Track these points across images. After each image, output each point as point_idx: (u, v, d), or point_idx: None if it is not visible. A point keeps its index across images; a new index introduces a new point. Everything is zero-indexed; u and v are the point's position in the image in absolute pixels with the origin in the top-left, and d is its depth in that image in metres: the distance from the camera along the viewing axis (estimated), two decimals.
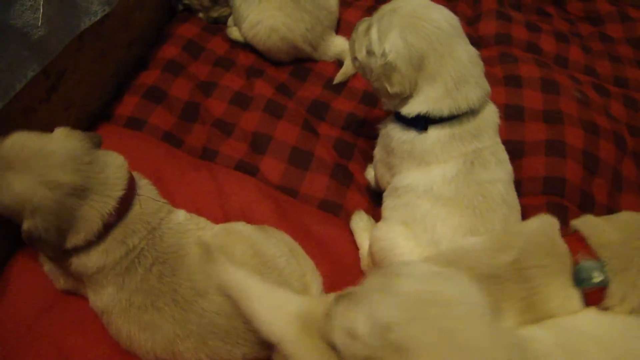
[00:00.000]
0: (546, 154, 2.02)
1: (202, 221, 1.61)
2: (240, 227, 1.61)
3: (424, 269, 1.15)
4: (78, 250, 1.42)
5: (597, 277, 1.27)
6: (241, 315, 1.36)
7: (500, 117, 2.03)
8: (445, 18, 1.59)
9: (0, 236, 1.62)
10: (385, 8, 1.63)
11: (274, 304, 1.32)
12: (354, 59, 1.76)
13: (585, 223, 1.38)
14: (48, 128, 1.70)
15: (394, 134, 1.65)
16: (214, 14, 2.54)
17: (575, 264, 1.30)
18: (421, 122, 1.57)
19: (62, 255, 1.45)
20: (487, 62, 2.42)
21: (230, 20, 2.53)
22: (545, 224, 1.39)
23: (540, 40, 2.65)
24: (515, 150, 2.03)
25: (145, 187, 1.56)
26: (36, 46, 1.55)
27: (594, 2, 3.04)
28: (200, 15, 2.56)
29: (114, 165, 1.48)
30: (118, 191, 1.44)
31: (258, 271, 1.47)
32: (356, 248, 1.82)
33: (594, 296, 1.28)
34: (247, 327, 1.38)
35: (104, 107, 2.08)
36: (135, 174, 1.56)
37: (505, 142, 1.93)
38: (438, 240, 1.52)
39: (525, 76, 2.30)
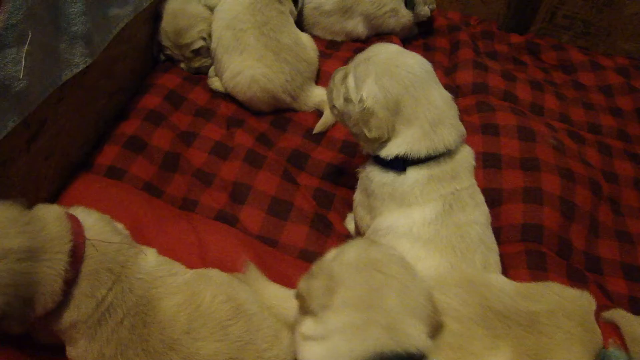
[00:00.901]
0: (524, 201, 2.04)
1: (176, 266, 1.58)
2: (213, 273, 1.60)
3: (392, 250, 1.37)
4: (50, 314, 1.38)
5: None
6: None
7: (478, 165, 2.07)
8: (419, 63, 1.65)
9: None
10: (360, 57, 1.68)
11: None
12: (332, 107, 1.79)
13: (619, 314, 1.41)
14: (28, 178, 1.71)
15: (373, 177, 1.67)
16: (196, 64, 2.57)
17: (604, 347, 1.32)
18: (399, 164, 1.60)
19: (34, 323, 1.40)
20: (464, 110, 2.48)
21: (211, 71, 2.56)
22: (585, 299, 1.42)
23: (516, 89, 2.72)
24: (493, 198, 2.05)
25: (95, 227, 1.48)
26: (17, 98, 1.56)
27: (566, 52, 3.13)
28: (182, 65, 2.59)
29: (52, 219, 1.40)
30: (66, 244, 1.37)
31: (228, 316, 1.46)
32: None
33: None
34: None
35: (84, 156, 2.07)
36: (81, 212, 1.50)
37: (483, 190, 1.95)
38: None
39: (502, 124, 2.34)
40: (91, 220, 1.49)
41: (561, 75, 3.01)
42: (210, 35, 2.49)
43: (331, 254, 1.37)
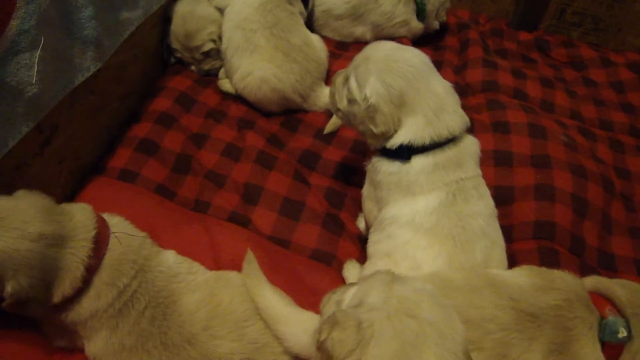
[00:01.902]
0: (536, 198, 2.03)
1: (195, 265, 1.63)
2: (231, 275, 1.63)
3: (419, 285, 1.20)
4: (69, 300, 1.41)
5: (623, 333, 1.32)
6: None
7: (489, 163, 2.07)
8: (417, 56, 1.67)
9: None
10: (358, 58, 1.70)
11: (299, 325, 1.41)
12: (337, 110, 1.81)
13: (598, 281, 1.46)
14: (41, 182, 1.73)
15: (379, 167, 1.68)
16: (206, 67, 2.58)
17: (603, 317, 1.36)
18: (404, 152, 1.62)
19: (54, 311, 1.43)
20: (474, 109, 2.48)
21: (221, 73, 2.57)
22: (577, 278, 1.45)
23: (526, 87, 2.71)
24: (505, 196, 2.05)
25: (119, 224, 1.57)
26: (30, 103, 1.58)
27: (577, 48, 3.12)
28: (192, 68, 2.60)
29: (79, 211, 1.49)
30: (90, 232, 1.44)
31: (245, 317, 1.49)
32: None
33: (613, 350, 1.33)
34: None
35: (96, 160, 2.09)
36: (106, 215, 1.57)
37: (495, 188, 1.96)
38: (418, 268, 1.54)
39: (512, 122, 2.33)
40: (114, 220, 1.57)
41: (571, 72, 3.00)
42: (220, 37, 2.50)
43: (349, 293, 1.24)
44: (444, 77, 2.74)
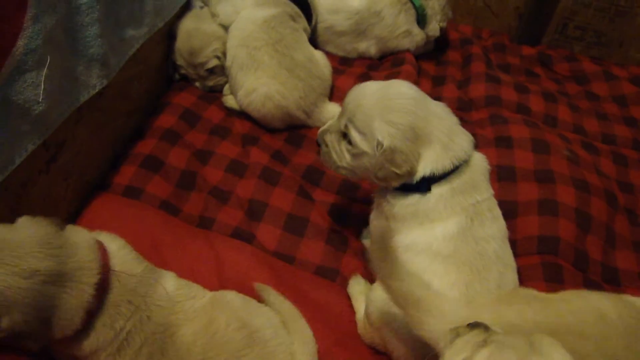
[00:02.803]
0: (539, 213, 2.04)
1: (194, 289, 1.59)
2: (230, 296, 1.62)
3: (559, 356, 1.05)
4: (69, 340, 1.39)
5: None
6: None
7: (493, 178, 2.06)
8: (408, 86, 1.65)
9: None
10: (347, 110, 1.65)
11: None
12: (338, 168, 1.74)
13: None
14: (47, 199, 1.74)
15: (395, 202, 1.64)
16: (210, 83, 2.59)
17: None
18: (425, 184, 1.59)
19: (55, 345, 1.42)
20: (477, 124, 2.49)
21: (226, 89, 2.59)
22: None
23: (529, 101, 2.72)
24: (508, 211, 2.04)
25: (119, 255, 1.50)
26: (36, 120, 1.59)
27: (579, 62, 3.13)
28: (197, 84, 2.62)
29: (83, 247, 1.41)
30: (93, 277, 1.38)
31: (242, 345, 1.47)
32: (353, 312, 1.81)
33: None
34: None
35: (101, 176, 2.10)
36: (106, 237, 1.52)
37: (499, 203, 1.95)
38: None
39: (515, 137, 2.34)
40: (114, 247, 1.50)
41: (574, 86, 3.00)
42: (224, 54, 2.52)
43: (481, 355, 1.07)
44: (447, 92, 2.80)
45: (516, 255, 1.91)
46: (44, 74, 1.56)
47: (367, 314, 1.67)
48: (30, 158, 1.60)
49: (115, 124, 2.15)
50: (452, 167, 1.57)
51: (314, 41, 2.86)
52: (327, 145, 1.73)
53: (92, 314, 1.38)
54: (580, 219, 2.04)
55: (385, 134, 1.55)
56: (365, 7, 2.83)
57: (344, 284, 1.88)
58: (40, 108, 1.58)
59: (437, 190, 1.58)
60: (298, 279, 1.87)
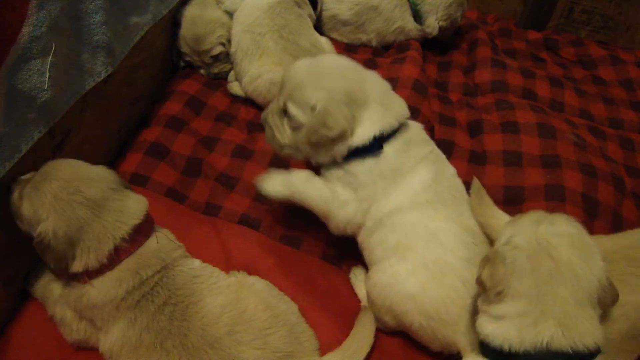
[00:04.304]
0: (546, 198, 2.03)
1: (216, 271, 1.64)
2: (253, 280, 1.66)
3: (564, 228, 1.36)
4: (91, 274, 1.44)
5: None
6: None
7: (499, 163, 2.06)
8: (339, 57, 1.73)
9: (4, 294, 1.62)
10: (284, 87, 1.69)
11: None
12: (282, 147, 1.75)
13: None
14: None
15: (355, 169, 1.65)
16: (215, 70, 2.59)
17: None
18: (376, 144, 1.62)
19: (75, 279, 1.47)
20: (483, 109, 2.48)
21: (231, 76, 2.58)
22: None
23: (535, 86, 2.70)
24: (515, 196, 2.05)
25: (164, 231, 1.61)
26: (42, 108, 1.59)
27: (585, 47, 3.11)
28: (202, 71, 2.61)
29: (134, 199, 1.55)
30: (133, 219, 1.50)
31: (268, 324, 1.49)
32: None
33: None
34: None
35: (107, 164, 2.08)
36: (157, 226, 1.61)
37: (505, 188, 1.96)
38: (434, 237, 1.58)
39: (522, 122, 2.33)
40: (163, 230, 1.63)
41: (580, 70, 2.99)
42: (229, 41, 2.52)
43: (505, 234, 1.39)
44: (453, 77, 2.79)
45: None
46: (49, 62, 1.56)
47: (371, 301, 1.68)
48: (36, 146, 1.60)
49: (120, 111, 2.15)
50: (397, 124, 1.65)
51: (319, 28, 2.85)
52: (270, 127, 1.76)
53: (122, 252, 1.46)
54: (587, 204, 2.03)
55: (317, 98, 1.59)
56: None
57: (349, 269, 1.88)
58: (46, 96, 1.58)
59: (390, 148, 1.63)
60: (305, 265, 1.87)
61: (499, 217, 1.64)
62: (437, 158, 1.72)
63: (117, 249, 1.45)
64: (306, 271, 1.85)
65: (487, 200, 1.60)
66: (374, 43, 2.93)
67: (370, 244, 1.69)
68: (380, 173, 1.63)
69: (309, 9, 2.63)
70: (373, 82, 1.68)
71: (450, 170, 1.75)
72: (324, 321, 1.68)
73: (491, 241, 1.55)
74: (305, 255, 1.91)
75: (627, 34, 3.18)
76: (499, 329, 1.28)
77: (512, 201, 2.04)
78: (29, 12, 1.47)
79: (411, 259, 1.57)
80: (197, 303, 1.49)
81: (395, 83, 2.47)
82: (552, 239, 1.30)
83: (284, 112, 1.69)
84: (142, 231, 1.51)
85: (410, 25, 2.86)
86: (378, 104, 1.63)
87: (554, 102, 2.64)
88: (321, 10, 2.86)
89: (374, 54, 2.88)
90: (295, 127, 1.67)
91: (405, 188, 1.63)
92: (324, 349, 1.60)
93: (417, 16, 2.85)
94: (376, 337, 1.65)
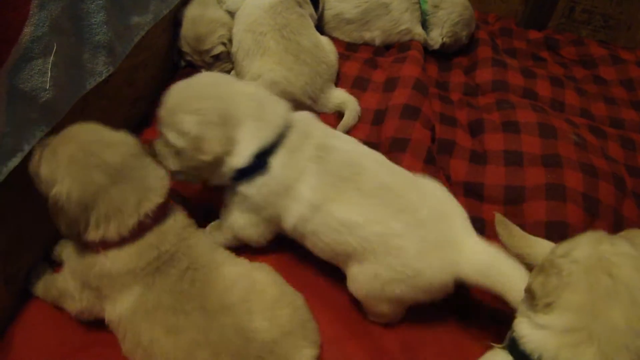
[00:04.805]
0: (547, 198, 2.03)
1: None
2: (260, 262, 1.68)
3: (628, 249, 1.28)
4: (108, 245, 1.44)
5: None
6: (255, 341, 1.42)
7: (500, 162, 2.06)
8: (210, 75, 1.74)
9: (6, 293, 1.62)
10: (162, 115, 1.65)
11: None
12: (177, 174, 1.72)
13: None
14: None
15: (247, 191, 1.66)
16: (216, 70, 2.58)
17: None
18: (261, 160, 1.61)
19: (85, 246, 1.47)
20: (484, 109, 2.48)
21: (231, 75, 2.58)
22: None
23: (536, 86, 2.71)
24: (516, 196, 2.05)
25: (179, 208, 1.61)
26: (44, 108, 1.59)
27: (586, 46, 3.12)
28: (203, 71, 2.61)
29: (155, 174, 1.53)
30: (157, 197, 1.49)
31: (277, 299, 1.54)
32: None
33: None
34: (259, 348, 1.42)
35: None
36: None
37: (505, 188, 1.95)
38: (354, 221, 1.57)
39: (522, 122, 2.33)
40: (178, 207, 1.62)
41: (581, 70, 2.99)
42: (230, 40, 2.52)
43: (563, 247, 1.33)
44: (454, 77, 2.80)
45: None
46: (50, 62, 1.56)
47: (361, 299, 1.69)
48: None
49: (121, 111, 2.15)
50: (275, 135, 1.62)
51: (321, 28, 2.86)
52: (158, 156, 1.70)
53: (145, 228, 1.46)
54: (588, 204, 2.03)
55: (190, 123, 1.56)
56: None
57: None
58: (48, 95, 1.58)
59: (276, 160, 1.62)
60: (305, 264, 1.86)
61: (535, 244, 1.55)
62: (323, 149, 1.65)
63: (140, 224, 1.44)
64: (306, 270, 1.84)
65: (517, 231, 1.54)
66: (377, 42, 2.92)
67: (321, 254, 1.71)
68: (273, 191, 1.63)
69: (310, 8, 2.63)
70: (245, 97, 1.65)
71: (337, 154, 1.66)
72: (325, 321, 1.68)
73: (530, 268, 1.47)
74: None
75: (627, 34, 3.19)
76: (537, 336, 1.23)
77: (513, 201, 2.05)
78: (31, 12, 1.48)
79: (360, 251, 1.58)
80: (217, 269, 1.53)
81: (396, 83, 2.48)
82: (613, 257, 1.23)
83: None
84: (164, 208, 1.51)
85: (417, 30, 2.87)
86: (252, 120, 1.61)
87: (555, 102, 2.65)
88: (323, 9, 2.86)
89: (375, 53, 2.87)
90: (177, 154, 1.64)
91: (296, 198, 1.63)
92: (326, 346, 1.62)
93: (424, 25, 2.86)
94: (374, 335, 1.67)
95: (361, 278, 1.61)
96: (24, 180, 1.57)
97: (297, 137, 1.66)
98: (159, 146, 1.69)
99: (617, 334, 1.15)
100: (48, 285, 1.64)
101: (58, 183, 1.40)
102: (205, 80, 1.68)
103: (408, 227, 1.55)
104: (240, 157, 1.60)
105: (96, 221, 1.42)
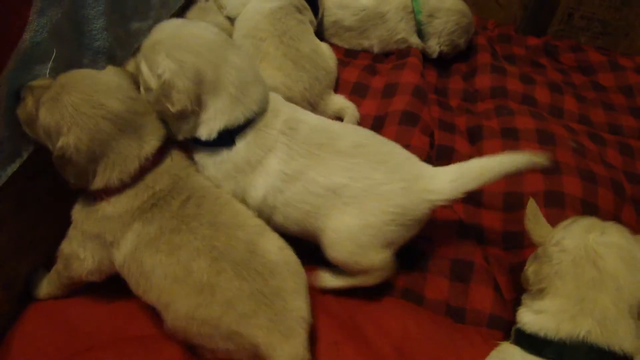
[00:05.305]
0: (545, 204, 2.03)
1: None
2: None
3: (616, 238, 1.39)
4: (110, 193, 1.46)
5: None
6: (261, 257, 1.46)
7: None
8: (207, 30, 1.64)
9: (4, 298, 1.62)
10: (146, 44, 1.62)
11: None
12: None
13: None
14: (56, 192, 1.73)
15: (206, 163, 1.66)
16: None
17: None
18: (227, 138, 1.62)
19: (89, 195, 1.49)
20: (483, 115, 2.48)
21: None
22: None
23: (534, 92, 2.71)
24: (514, 202, 2.05)
25: (176, 149, 1.62)
26: None
27: (585, 53, 3.12)
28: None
29: (155, 126, 1.55)
30: (156, 140, 1.51)
31: (284, 244, 1.59)
32: (358, 302, 1.80)
33: None
34: (261, 263, 1.45)
35: None
36: None
37: (504, 194, 1.95)
38: (331, 185, 1.62)
39: (521, 128, 2.33)
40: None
41: (580, 76, 2.99)
42: None
43: (557, 235, 1.44)
44: (453, 83, 2.80)
45: (524, 246, 1.92)
46: (49, 67, 1.57)
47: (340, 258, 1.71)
48: (38, 151, 1.60)
49: None
50: (245, 120, 1.62)
51: (320, 34, 2.86)
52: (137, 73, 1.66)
53: (144, 171, 1.47)
54: (586, 210, 2.02)
55: (165, 68, 1.54)
56: (373, 5, 2.83)
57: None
58: None
59: (242, 141, 1.63)
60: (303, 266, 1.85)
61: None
62: (292, 121, 1.69)
63: (141, 168, 1.47)
64: None
65: (543, 222, 1.60)
66: (375, 50, 2.92)
67: (293, 226, 1.72)
68: (234, 169, 1.64)
69: (310, 14, 2.64)
70: (234, 69, 1.61)
71: (306, 125, 1.70)
72: (322, 326, 1.67)
73: None
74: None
75: (626, 40, 3.19)
76: (538, 319, 1.33)
77: (512, 207, 2.05)
78: (30, 17, 1.48)
79: (343, 209, 1.63)
80: (227, 199, 1.58)
81: (395, 89, 2.48)
82: (600, 248, 1.32)
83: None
84: (162, 151, 1.53)
85: (413, 39, 2.86)
86: (228, 95, 1.59)
87: (554, 108, 2.65)
88: (323, 16, 2.86)
89: (374, 59, 2.88)
90: (147, 89, 1.61)
91: (267, 172, 1.64)
92: (323, 350, 1.62)
93: (420, 35, 2.85)
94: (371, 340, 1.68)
95: (347, 235, 1.64)
96: (22, 185, 1.58)
97: (267, 115, 1.67)
98: (131, 67, 1.70)
99: (608, 312, 1.26)
100: (52, 272, 1.65)
101: (64, 135, 1.40)
102: (198, 32, 1.62)
103: (388, 173, 1.63)
104: (203, 130, 1.61)
105: (103, 170, 1.44)
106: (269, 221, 1.68)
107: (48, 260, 1.72)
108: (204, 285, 1.41)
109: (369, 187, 1.61)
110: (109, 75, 1.51)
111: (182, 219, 1.48)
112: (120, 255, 1.50)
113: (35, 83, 1.48)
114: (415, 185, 1.64)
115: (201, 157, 1.67)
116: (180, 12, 2.52)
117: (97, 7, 1.77)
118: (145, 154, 1.48)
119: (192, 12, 2.54)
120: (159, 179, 1.50)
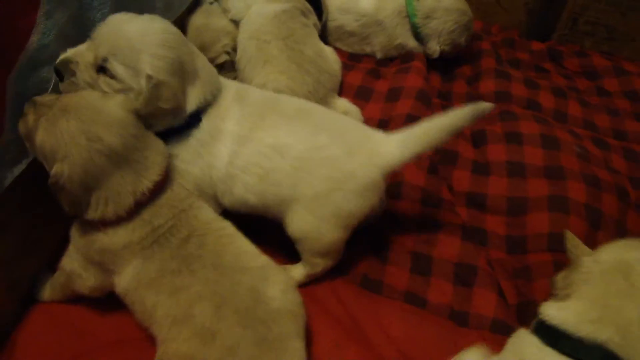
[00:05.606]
0: (549, 209, 2.03)
1: None
2: None
3: None
4: (107, 224, 1.44)
5: None
6: (266, 305, 1.43)
7: (502, 173, 2.06)
8: (168, 23, 1.66)
9: (8, 300, 1.63)
10: (104, 42, 1.56)
11: None
12: None
13: None
14: None
15: (177, 146, 1.67)
16: None
17: None
18: (196, 118, 1.65)
19: (86, 223, 1.47)
20: (487, 120, 2.48)
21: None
22: None
23: (539, 97, 2.71)
24: (518, 207, 2.05)
25: (177, 180, 1.60)
26: None
27: (589, 58, 3.12)
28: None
29: (156, 149, 1.52)
30: (155, 175, 1.48)
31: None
32: (359, 304, 1.81)
33: None
34: (265, 312, 1.43)
35: None
36: None
37: (508, 199, 1.95)
38: (281, 144, 1.65)
39: (525, 133, 2.33)
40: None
41: (584, 81, 2.99)
42: (234, 50, 2.52)
43: (602, 249, 1.41)
44: (457, 88, 2.80)
45: (527, 251, 1.92)
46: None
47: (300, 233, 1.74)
48: None
49: None
50: (211, 98, 1.67)
51: (324, 38, 2.86)
52: (76, 83, 1.58)
53: (140, 206, 1.45)
54: (591, 216, 2.03)
55: (154, 67, 1.54)
56: (372, 12, 2.83)
57: (345, 274, 1.88)
58: None
59: (204, 117, 1.67)
60: None
61: None
62: (239, 94, 1.74)
63: (136, 203, 1.45)
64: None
65: (584, 248, 1.54)
66: (378, 55, 2.93)
67: (255, 199, 1.71)
68: (202, 142, 1.67)
69: (314, 18, 2.64)
70: (198, 53, 1.70)
71: (255, 93, 1.78)
72: (322, 328, 1.68)
73: None
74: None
75: (631, 45, 3.19)
76: (559, 314, 1.30)
77: (516, 212, 2.05)
78: (37, 20, 1.49)
79: (294, 175, 1.65)
80: (230, 236, 1.55)
81: (399, 93, 2.49)
82: (636, 264, 1.30)
83: (101, 68, 1.56)
84: (161, 184, 1.51)
85: (412, 43, 2.86)
86: (201, 79, 1.65)
87: (558, 113, 2.65)
88: (327, 20, 2.87)
89: (378, 63, 2.88)
90: (121, 90, 1.56)
91: (225, 135, 1.67)
92: (324, 353, 1.62)
93: (418, 38, 2.85)
94: (372, 343, 1.68)
95: (302, 208, 1.66)
96: (27, 186, 1.58)
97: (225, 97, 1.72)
98: (83, 73, 1.58)
99: (632, 326, 1.21)
100: (54, 280, 1.65)
101: (59, 161, 1.38)
102: (166, 28, 1.62)
103: (332, 137, 1.65)
104: (182, 114, 1.64)
105: (96, 202, 1.42)
106: (232, 194, 1.71)
107: (53, 260, 1.73)
108: (205, 330, 1.39)
109: (313, 149, 1.63)
110: (114, 107, 1.46)
111: (183, 259, 1.45)
112: (121, 285, 1.49)
113: (39, 99, 1.46)
114: (361, 149, 1.65)
115: (172, 144, 1.66)
116: (185, 15, 2.53)
117: (103, 10, 1.77)
118: (142, 189, 1.45)
119: (197, 15, 2.55)
120: (158, 212, 1.48)
